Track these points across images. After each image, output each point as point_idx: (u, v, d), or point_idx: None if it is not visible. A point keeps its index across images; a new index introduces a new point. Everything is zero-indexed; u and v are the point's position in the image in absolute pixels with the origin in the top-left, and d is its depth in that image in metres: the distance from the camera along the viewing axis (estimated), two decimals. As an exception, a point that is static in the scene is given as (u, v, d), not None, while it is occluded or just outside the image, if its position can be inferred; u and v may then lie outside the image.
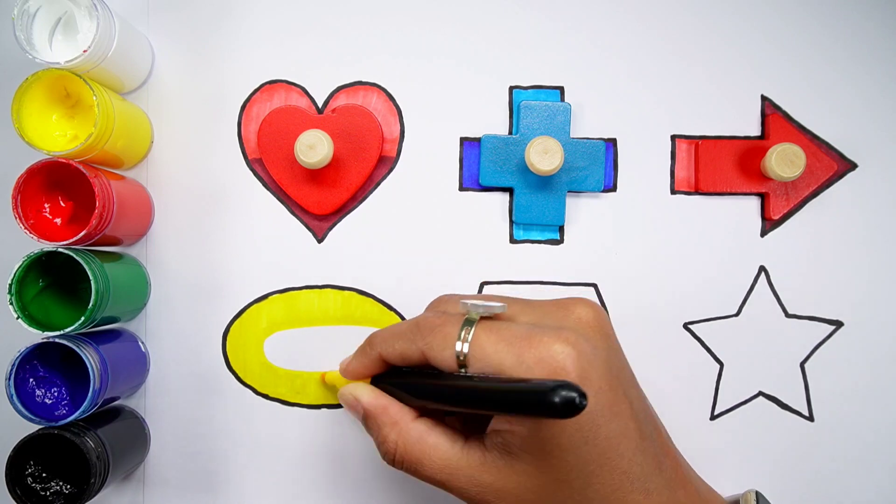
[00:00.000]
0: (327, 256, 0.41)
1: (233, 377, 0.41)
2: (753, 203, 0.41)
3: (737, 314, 0.41)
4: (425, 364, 0.31)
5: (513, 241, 0.41)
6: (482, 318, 0.31)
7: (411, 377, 0.32)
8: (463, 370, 0.30)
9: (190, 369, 0.41)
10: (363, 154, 0.41)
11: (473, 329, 0.30)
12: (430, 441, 0.31)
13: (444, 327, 0.31)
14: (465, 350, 0.29)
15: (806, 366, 0.41)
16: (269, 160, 0.41)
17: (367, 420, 0.33)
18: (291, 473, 0.41)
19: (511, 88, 0.41)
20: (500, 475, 0.29)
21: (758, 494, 0.35)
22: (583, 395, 0.24)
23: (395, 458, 0.32)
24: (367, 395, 0.33)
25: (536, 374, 0.28)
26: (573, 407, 0.24)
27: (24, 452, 0.34)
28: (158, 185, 0.41)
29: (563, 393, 0.24)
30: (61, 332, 0.34)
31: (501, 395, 0.26)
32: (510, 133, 0.41)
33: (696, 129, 0.41)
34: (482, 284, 0.41)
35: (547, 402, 0.24)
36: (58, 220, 0.36)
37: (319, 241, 0.41)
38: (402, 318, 0.41)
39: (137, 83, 0.41)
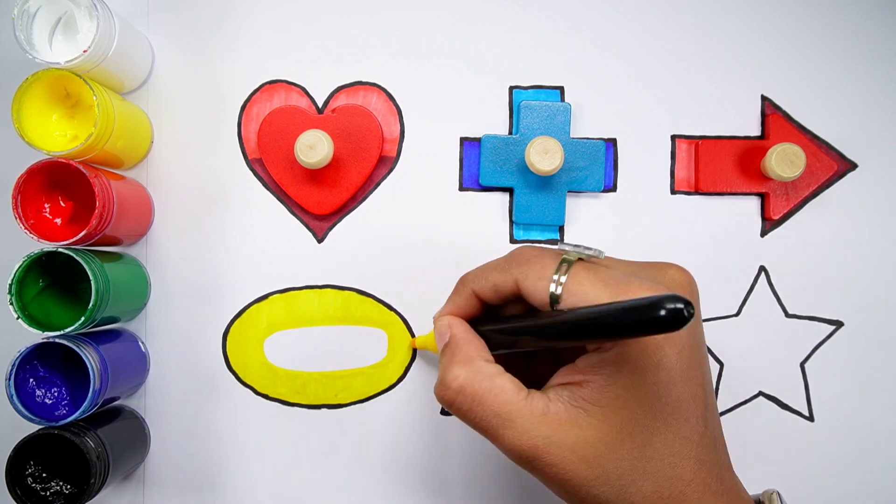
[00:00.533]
0: (327, 256, 0.41)
1: (233, 377, 0.41)
2: (753, 203, 0.41)
3: (737, 314, 0.41)
4: (517, 299, 0.31)
5: (513, 241, 0.41)
6: (579, 259, 0.31)
7: (505, 321, 0.32)
8: (552, 308, 0.30)
9: (190, 369, 0.41)
10: (363, 154, 0.41)
11: (571, 266, 0.30)
12: (499, 382, 0.30)
13: (541, 259, 0.31)
14: (563, 282, 0.29)
15: (806, 366, 0.41)
16: (269, 160, 0.41)
17: (448, 348, 0.33)
18: (291, 473, 0.41)
19: (511, 88, 0.41)
20: (561, 427, 0.29)
21: (779, 495, 0.35)
22: (690, 305, 0.24)
23: (450, 388, 0.31)
24: (459, 326, 0.33)
25: None
26: (681, 317, 0.23)
27: (24, 452, 0.34)
28: (158, 185, 0.41)
29: (670, 305, 0.24)
30: (61, 332, 0.34)
31: (606, 316, 0.26)
32: (510, 133, 0.41)
33: (696, 129, 0.41)
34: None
35: (655, 314, 0.24)
36: (58, 220, 0.36)
37: (319, 241, 0.41)
38: (403, 318, 0.41)
39: (137, 83, 0.41)
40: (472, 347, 0.32)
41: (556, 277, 0.29)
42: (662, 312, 0.24)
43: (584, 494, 0.29)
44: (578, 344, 0.29)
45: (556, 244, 0.31)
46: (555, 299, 0.29)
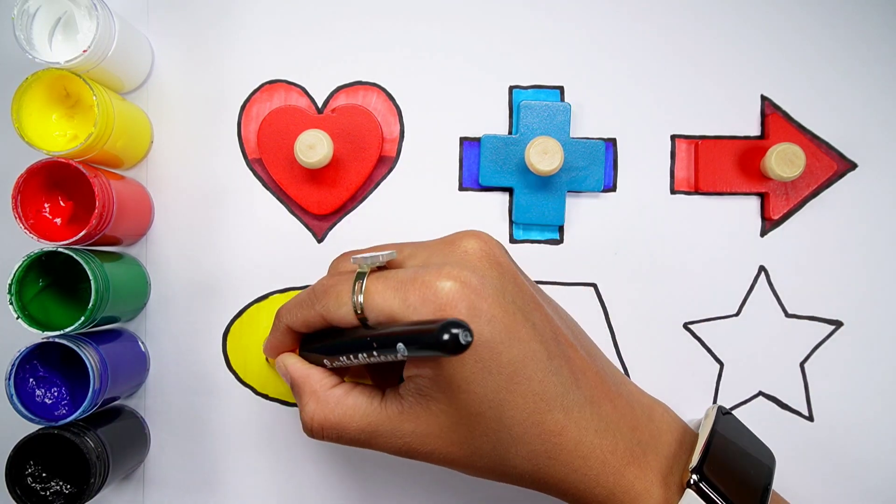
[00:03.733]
0: (327, 256, 0.41)
1: (233, 377, 0.41)
2: (753, 203, 0.41)
3: (737, 314, 0.41)
4: (329, 327, 0.32)
5: (513, 241, 0.41)
6: (373, 269, 0.31)
7: (325, 339, 0.33)
8: (363, 323, 0.30)
9: (190, 369, 0.41)
10: (363, 154, 0.41)
11: (364, 282, 0.30)
12: (349, 402, 0.31)
13: (336, 287, 0.31)
14: (360, 304, 0.30)
15: (806, 366, 0.41)
16: (268, 160, 0.41)
17: (293, 389, 0.34)
18: (291, 473, 0.41)
19: (511, 88, 0.41)
20: (419, 420, 0.30)
21: (720, 408, 0.35)
22: (468, 331, 0.24)
23: (312, 428, 0.32)
24: (293, 364, 0.34)
25: (424, 315, 0.28)
26: (458, 344, 0.24)
27: (23, 452, 0.34)
28: (158, 184, 0.41)
29: (453, 330, 0.24)
30: (61, 332, 0.34)
31: (396, 340, 0.27)
32: (510, 133, 0.41)
33: (696, 129, 0.41)
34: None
35: (437, 341, 0.24)
36: (58, 220, 0.36)
37: (319, 241, 0.41)
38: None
39: (137, 83, 0.41)
40: (312, 381, 0.33)
41: (354, 298, 0.30)
42: (445, 338, 0.24)
43: (471, 468, 0.31)
44: (388, 360, 0.29)
45: (351, 257, 0.31)
46: (362, 316, 0.30)
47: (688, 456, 0.32)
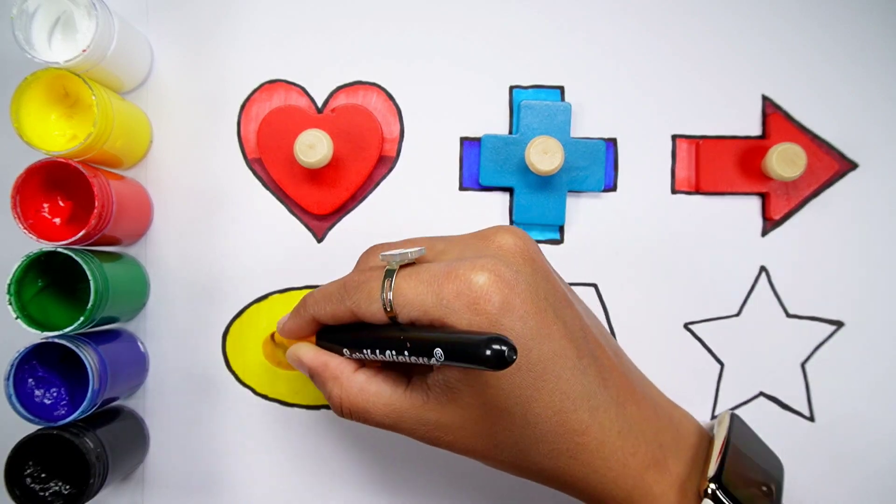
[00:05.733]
0: (327, 256, 0.41)
1: (233, 377, 0.41)
2: (754, 203, 0.41)
3: (737, 314, 0.41)
4: (358, 321, 0.32)
5: (513, 241, 0.41)
6: (402, 265, 0.30)
7: (350, 332, 0.33)
8: (393, 321, 0.30)
9: (190, 369, 0.41)
10: (363, 154, 0.40)
11: (394, 279, 0.30)
12: (372, 389, 0.31)
13: (367, 283, 0.31)
14: (390, 300, 0.29)
15: (806, 366, 0.41)
16: (268, 160, 0.40)
17: (313, 378, 0.34)
18: (291, 474, 0.41)
19: (511, 88, 0.41)
20: (444, 411, 0.30)
21: (733, 415, 0.34)
22: (513, 349, 0.24)
23: (342, 410, 0.32)
24: (308, 353, 0.34)
25: (457, 309, 0.28)
26: (503, 360, 0.24)
27: (23, 453, 0.34)
28: (158, 184, 0.41)
29: (495, 347, 0.24)
30: (60, 332, 0.34)
31: (434, 346, 0.26)
32: (510, 133, 0.41)
33: (697, 129, 0.41)
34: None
35: (478, 355, 0.24)
36: (57, 220, 0.36)
37: (319, 241, 0.41)
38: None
39: (137, 83, 0.41)
40: (331, 367, 0.33)
41: (383, 296, 0.30)
42: (488, 353, 0.24)
43: (493, 460, 0.31)
44: (419, 364, 0.28)
45: (380, 253, 0.31)
46: (392, 313, 0.30)
47: (704, 463, 0.32)
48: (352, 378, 0.32)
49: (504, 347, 0.24)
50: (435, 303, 0.28)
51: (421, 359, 0.27)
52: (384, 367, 0.32)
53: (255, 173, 0.41)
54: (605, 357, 0.31)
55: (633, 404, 0.31)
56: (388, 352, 0.29)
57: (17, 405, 0.34)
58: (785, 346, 0.41)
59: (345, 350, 0.32)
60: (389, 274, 0.30)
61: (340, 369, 0.32)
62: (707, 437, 0.34)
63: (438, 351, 0.26)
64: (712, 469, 0.31)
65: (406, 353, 0.28)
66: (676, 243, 0.41)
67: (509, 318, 0.28)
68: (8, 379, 0.34)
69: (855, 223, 0.41)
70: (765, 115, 0.41)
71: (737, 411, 0.41)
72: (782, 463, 0.35)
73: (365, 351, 0.31)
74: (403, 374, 0.32)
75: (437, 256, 0.32)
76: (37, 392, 0.36)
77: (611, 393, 0.30)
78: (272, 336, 0.41)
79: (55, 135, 0.35)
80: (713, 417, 0.41)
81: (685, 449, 0.32)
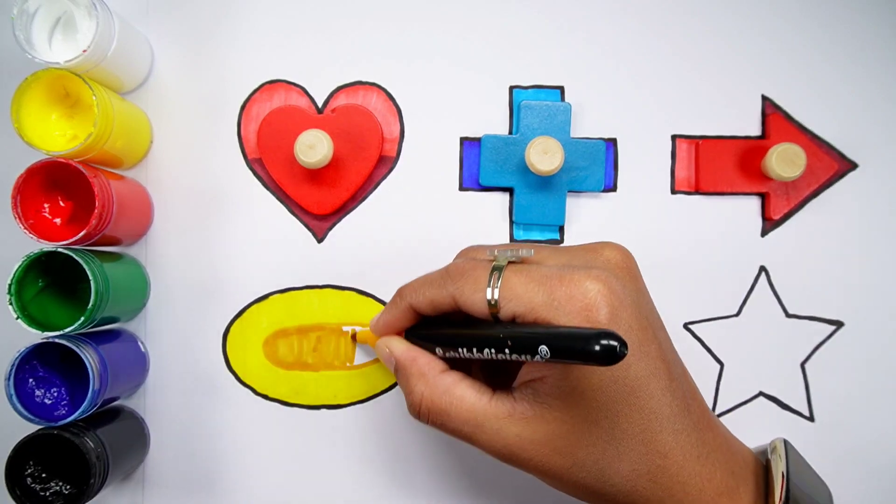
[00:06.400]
0: (327, 256, 0.41)
1: (233, 377, 0.41)
2: (754, 203, 0.41)
3: (737, 314, 0.41)
4: (456, 311, 0.31)
5: (513, 240, 0.41)
6: (510, 262, 0.31)
7: (443, 327, 0.32)
8: (493, 317, 0.30)
9: (190, 369, 0.41)
10: (363, 154, 0.41)
11: (503, 272, 0.30)
12: (457, 393, 0.31)
13: (474, 271, 0.31)
14: (496, 293, 0.29)
15: (806, 366, 0.41)
16: (268, 160, 0.40)
17: (398, 372, 0.33)
18: (291, 474, 0.41)
19: (511, 88, 0.41)
20: (529, 425, 0.30)
21: (786, 443, 0.34)
22: (623, 344, 0.24)
23: (419, 410, 0.31)
24: (399, 346, 0.33)
25: (567, 312, 0.28)
26: (614, 355, 0.24)
27: (23, 453, 0.34)
28: (158, 184, 0.41)
29: (604, 342, 0.24)
30: (61, 332, 0.34)
31: (538, 342, 0.26)
32: (510, 133, 0.41)
33: (697, 129, 0.41)
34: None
35: (588, 350, 0.24)
36: (57, 220, 0.36)
37: (319, 241, 0.41)
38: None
39: (137, 83, 0.41)
40: (420, 363, 0.32)
41: (490, 287, 0.30)
42: (597, 348, 0.24)
43: (565, 482, 0.30)
44: (519, 360, 0.28)
45: (489, 248, 0.31)
46: (493, 308, 0.29)
47: (768, 493, 0.32)
48: (438, 378, 0.31)
49: (615, 343, 0.24)
50: (545, 302, 0.28)
51: (523, 356, 0.27)
52: (472, 375, 0.32)
53: (255, 173, 0.41)
54: (689, 382, 0.31)
55: (710, 430, 0.31)
56: (486, 350, 0.29)
57: (18, 405, 0.34)
58: (785, 346, 0.41)
59: (437, 348, 0.32)
60: (498, 268, 0.30)
61: (429, 367, 0.32)
62: (762, 465, 0.34)
63: (544, 348, 0.26)
64: (778, 499, 0.31)
65: (507, 350, 0.28)
66: (676, 243, 0.41)
67: (615, 330, 0.28)
68: (8, 379, 0.34)
69: (855, 223, 0.41)
70: (764, 115, 0.41)
71: (736, 411, 0.41)
72: (831, 492, 0.35)
73: (461, 349, 0.30)
74: (489, 384, 0.31)
75: (543, 261, 0.32)
76: (37, 392, 0.36)
77: (693, 417, 0.30)
78: (353, 336, 0.41)
79: (55, 135, 0.35)
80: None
81: (751, 477, 0.32)
